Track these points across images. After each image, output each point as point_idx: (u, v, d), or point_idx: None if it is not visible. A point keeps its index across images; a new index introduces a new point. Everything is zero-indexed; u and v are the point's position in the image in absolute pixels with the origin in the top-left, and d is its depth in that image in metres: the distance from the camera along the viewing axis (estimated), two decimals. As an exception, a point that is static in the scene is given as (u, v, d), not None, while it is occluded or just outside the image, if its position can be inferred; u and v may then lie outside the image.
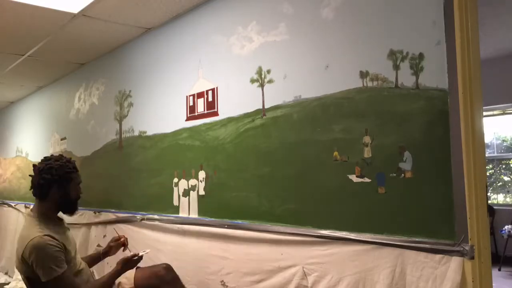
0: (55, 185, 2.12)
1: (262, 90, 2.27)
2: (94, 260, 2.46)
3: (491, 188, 6.30)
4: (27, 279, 2.05)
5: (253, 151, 2.30)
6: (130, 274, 2.30)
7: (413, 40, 1.65)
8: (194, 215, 2.66)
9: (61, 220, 2.26)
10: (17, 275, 4.93)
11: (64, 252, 2.03)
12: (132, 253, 2.22)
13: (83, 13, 2.89)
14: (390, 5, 1.73)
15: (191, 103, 2.76)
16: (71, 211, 2.23)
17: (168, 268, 2.35)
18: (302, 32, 2.09)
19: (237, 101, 2.42)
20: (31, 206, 2.21)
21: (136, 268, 2.30)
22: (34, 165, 2.19)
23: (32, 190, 2.18)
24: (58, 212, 2.23)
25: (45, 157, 2.21)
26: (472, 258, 1.45)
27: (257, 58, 2.32)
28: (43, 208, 2.14)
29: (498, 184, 6.37)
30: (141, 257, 2.23)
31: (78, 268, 2.15)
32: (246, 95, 2.36)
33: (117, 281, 2.23)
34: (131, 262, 2.20)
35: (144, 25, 3.14)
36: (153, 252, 2.88)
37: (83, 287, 2.07)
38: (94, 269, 3.57)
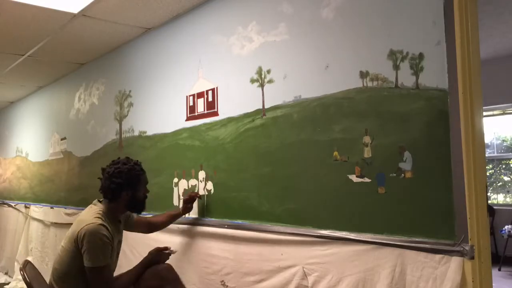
0: (126, 188, 2.20)
1: (262, 90, 2.27)
2: (173, 217, 2.59)
3: (491, 188, 6.30)
4: (69, 254, 2.09)
5: (253, 151, 2.30)
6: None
7: (413, 40, 1.65)
8: (194, 215, 2.66)
9: (120, 221, 2.33)
10: (17, 275, 4.93)
11: (111, 247, 2.11)
12: (165, 246, 2.33)
13: (83, 13, 2.89)
14: (390, 5, 1.73)
15: (191, 103, 2.76)
16: (140, 210, 2.31)
17: (169, 268, 2.36)
18: (302, 32, 2.09)
19: (237, 101, 2.42)
20: (96, 200, 2.27)
21: None
22: (103, 169, 2.26)
23: (101, 192, 2.25)
24: (125, 212, 2.33)
25: (113, 161, 2.28)
26: (472, 258, 1.45)
27: (257, 58, 2.32)
28: (111, 208, 2.23)
29: (498, 184, 6.37)
30: (170, 253, 2.34)
31: (112, 267, 2.23)
32: (246, 95, 2.36)
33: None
34: (163, 255, 2.32)
35: (144, 25, 3.14)
36: (153, 252, 2.88)
37: (117, 284, 2.15)
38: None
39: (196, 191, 2.65)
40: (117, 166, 2.21)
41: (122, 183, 2.18)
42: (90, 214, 2.13)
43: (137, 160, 2.32)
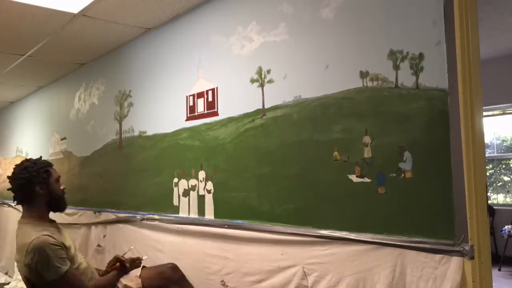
0: (37, 182, 2.11)
1: (262, 90, 2.27)
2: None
3: (491, 188, 6.30)
4: (31, 284, 2.01)
5: (253, 151, 2.30)
6: (135, 275, 2.30)
7: (413, 40, 1.65)
8: (194, 215, 2.66)
9: (53, 221, 2.25)
10: (17, 275, 4.93)
11: (65, 250, 2.03)
12: (136, 256, 2.26)
13: (83, 13, 2.89)
14: (390, 5, 1.73)
15: (191, 103, 2.76)
16: (61, 208, 2.23)
17: (174, 267, 2.34)
18: (302, 32, 2.09)
19: (237, 101, 2.42)
20: (21, 214, 2.18)
21: (142, 268, 2.30)
22: (8, 177, 2.18)
23: (16, 200, 2.15)
24: (49, 213, 2.21)
25: (14, 167, 2.20)
26: (472, 258, 1.45)
27: (257, 58, 2.32)
28: (33, 213, 2.12)
29: (498, 184, 6.37)
30: (141, 261, 2.27)
31: (81, 266, 2.14)
32: (246, 95, 2.36)
33: (122, 284, 2.24)
34: (134, 264, 2.22)
35: (144, 25, 3.14)
36: (153, 252, 2.88)
37: (88, 285, 2.06)
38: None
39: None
40: (19, 164, 2.16)
41: (31, 178, 2.09)
42: (26, 233, 2.00)
43: (40, 156, 2.28)
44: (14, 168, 2.18)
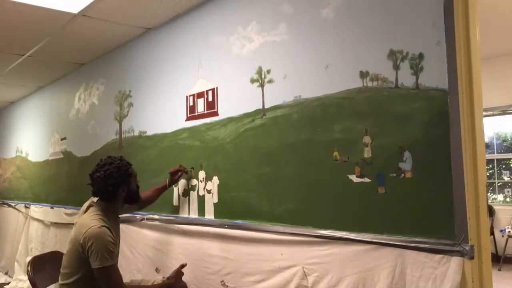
0: (121, 186, 2.25)
1: (262, 90, 2.27)
2: (160, 190, 2.71)
3: (491, 188, 6.30)
4: (75, 258, 2.13)
5: (253, 151, 2.30)
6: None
7: (413, 40, 1.65)
8: (194, 215, 2.66)
9: (118, 217, 2.38)
10: (17, 275, 4.93)
11: (114, 246, 2.15)
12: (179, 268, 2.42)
13: (83, 13, 2.89)
14: (390, 5, 1.73)
15: (191, 103, 2.76)
16: (136, 200, 2.41)
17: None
18: (302, 32, 2.09)
19: (237, 101, 2.42)
20: (92, 198, 2.30)
21: None
22: (91, 175, 2.29)
23: (97, 196, 2.28)
24: (123, 206, 2.39)
25: (98, 165, 2.29)
26: (472, 258, 1.45)
27: (257, 58, 2.32)
28: (110, 207, 2.27)
29: (498, 184, 6.37)
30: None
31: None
32: (246, 95, 2.36)
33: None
34: (179, 278, 2.41)
35: (144, 25, 3.14)
36: (153, 252, 2.88)
37: (126, 285, 2.17)
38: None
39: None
40: (106, 169, 2.23)
41: (116, 183, 2.23)
42: (91, 217, 2.16)
43: (120, 156, 2.36)
44: (98, 169, 2.26)
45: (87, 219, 2.16)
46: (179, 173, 2.69)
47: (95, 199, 2.31)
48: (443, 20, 1.56)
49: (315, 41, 2.02)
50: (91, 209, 2.24)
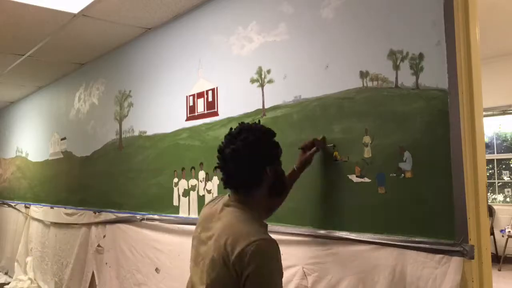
0: (267, 162, 1.49)
1: (262, 90, 2.27)
2: (293, 179, 1.88)
3: (491, 188, 6.30)
4: (220, 277, 1.37)
5: (253, 151, 2.29)
6: None
7: (413, 40, 1.65)
8: (194, 215, 2.66)
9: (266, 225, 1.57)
10: (17, 275, 4.93)
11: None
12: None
13: (83, 13, 2.89)
14: (390, 5, 1.73)
15: (191, 103, 2.76)
16: (282, 191, 1.66)
17: None
18: (302, 32, 2.09)
19: (237, 101, 2.42)
20: (226, 196, 1.55)
21: None
22: (220, 151, 1.53)
23: (228, 185, 1.52)
24: (271, 198, 1.59)
25: (229, 134, 1.54)
26: (472, 258, 1.44)
27: (257, 58, 2.31)
28: (254, 201, 1.51)
29: (498, 184, 6.37)
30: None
31: None
32: (246, 95, 2.35)
33: None
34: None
35: (144, 25, 3.14)
36: (153, 252, 2.88)
37: None
38: (94, 269, 3.58)
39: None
40: (244, 137, 1.47)
41: (263, 158, 1.48)
42: (251, 224, 1.44)
43: (258, 120, 1.75)
44: (231, 140, 1.50)
45: (245, 226, 1.42)
46: (314, 148, 1.89)
47: (230, 197, 1.53)
48: (443, 20, 1.56)
49: (315, 41, 2.02)
50: (238, 209, 1.48)
